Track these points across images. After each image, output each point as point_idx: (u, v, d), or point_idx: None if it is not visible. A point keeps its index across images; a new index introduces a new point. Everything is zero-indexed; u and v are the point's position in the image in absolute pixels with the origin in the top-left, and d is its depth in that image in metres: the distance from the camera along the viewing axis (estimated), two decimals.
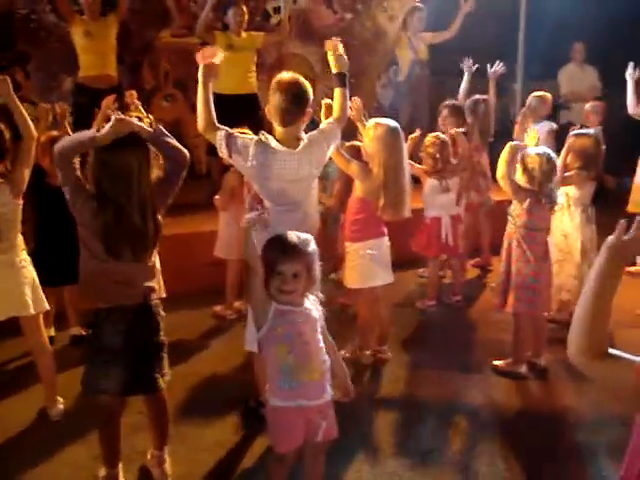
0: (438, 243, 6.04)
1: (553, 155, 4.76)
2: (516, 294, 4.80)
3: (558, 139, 7.25)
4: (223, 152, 3.88)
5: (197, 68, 3.91)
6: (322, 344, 3.14)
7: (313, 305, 3.15)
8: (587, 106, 7.61)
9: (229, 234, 5.59)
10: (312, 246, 3.07)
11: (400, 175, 4.73)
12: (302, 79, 3.92)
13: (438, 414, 4.44)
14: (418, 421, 4.35)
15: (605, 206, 5.82)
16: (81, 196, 3.26)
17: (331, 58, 4.31)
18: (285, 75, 3.91)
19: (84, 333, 5.30)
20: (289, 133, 3.91)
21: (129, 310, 3.34)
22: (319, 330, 3.15)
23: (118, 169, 3.24)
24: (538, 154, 4.71)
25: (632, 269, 6.86)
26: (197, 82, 3.89)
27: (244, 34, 7.55)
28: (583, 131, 5.79)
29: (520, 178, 4.78)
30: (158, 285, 3.58)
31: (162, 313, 3.50)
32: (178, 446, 3.90)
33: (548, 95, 7.09)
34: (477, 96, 6.94)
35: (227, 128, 3.90)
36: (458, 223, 6.11)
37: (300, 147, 3.90)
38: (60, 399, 4.32)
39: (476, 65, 7.06)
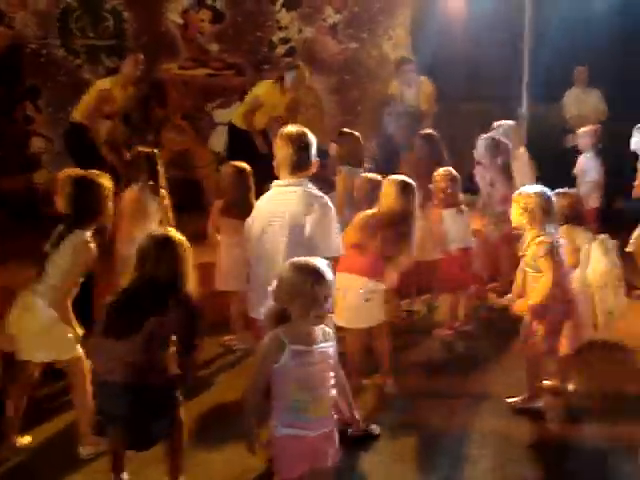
0: (469, 274, 6.03)
1: (549, 193, 4.72)
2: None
3: (565, 163, 7.33)
4: None
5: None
6: (332, 381, 3.16)
7: (328, 339, 3.17)
8: (579, 131, 7.70)
9: (227, 265, 5.62)
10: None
11: (410, 232, 4.89)
12: (307, 131, 4.19)
13: (447, 444, 4.43)
14: (426, 451, 4.34)
15: (616, 227, 5.82)
16: None
17: None
18: (292, 128, 4.19)
19: None
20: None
21: (115, 386, 3.44)
22: (332, 365, 3.17)
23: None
24: (537, 193, 4.65)
25: None
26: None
27: (289, 94, 7.80)
28: (562, 190, 5.74)
29: (518, 219, 4.72)
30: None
31: (168, 388, 3.56)
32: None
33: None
34: (497, 136, 6.91)
35: None
36: (488, 254, 6.16)
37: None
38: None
39: None
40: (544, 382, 4.93)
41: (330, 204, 4.17)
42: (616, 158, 7.59)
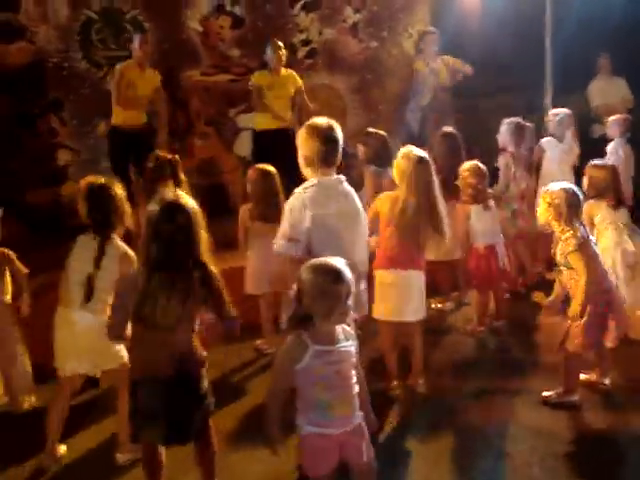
0: (497, 271, 5.92)
1: (577, 189, 4.68)
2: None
3: (593, 153, 7.23)
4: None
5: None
6: (355, 379, 3.19)
7: (349, 339, 3.19)
8: (609, 119, 7.61)
9: (258, 269, 5.60)
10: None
11: (434, 208, 4.74)
12: (334, 123, 4.09)
13: (484, 445, 4.37)
14: (462, 449, 4.31)
15: None
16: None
17: None
18: (320, 121, 4.08)
19: None
20: (328, 175, 4.08)
21: (163, 380, 3.39)
22: (354, 363, 3.20)
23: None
24: (564, 189, 4.61)
25: None
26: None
27: (284, 71, 7.72)
28: (598, 162, 5.69)
29: (544, 214, 4.68)
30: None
31: (203, 375, 3.54)
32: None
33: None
34: (519, 120, 6.87)
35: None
36: (507, 250, 6.03)
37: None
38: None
39: None
40: (580, 376, 4.88)
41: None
42: None
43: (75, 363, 4.19)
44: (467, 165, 5.98)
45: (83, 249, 4.19)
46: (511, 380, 5.18)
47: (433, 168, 4.81)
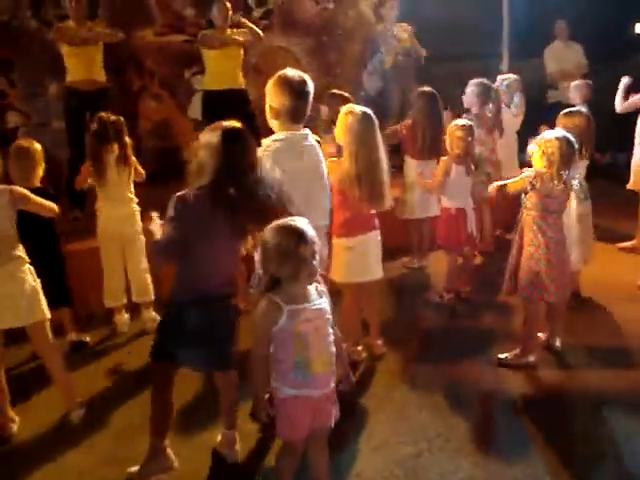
0: (465, 235, 5.87)
1: (572, 139, 4.52)
2: (526, 279, 4.65)
3: (549, 119, 7.27)
4: None
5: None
6: (331, 337, 3.19)
7: (323, 296, 3.18)
8: (572, 84, 7.61)
9: None
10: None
11: (376, 166, 4.55)
12: (306, 75, 3.95)
13: (442, 403, 4.42)
14: (421, 410, 4.34)
15: (597, 182, 5.78)
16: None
17: None
18: (290, 72, 3.91)
19: (83, 339, 5.30)
20: (295, 130, 3.94)
21: (212, 301, 3.48)
22: (329, 321, 3.19)
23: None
24: (557, 138, 4.50)
25: (623, 245, 6.88)
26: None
27: (229, 30, 7.53)
28: (574, 109, 5.70)
29: (538, 162, 4.57)
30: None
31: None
32: (181, 443, 3.92)
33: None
34: (485, 81, 6.79)
35: None
36: (476, 214, 5.97)
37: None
38: (81, 400, 4.32)
39: None
40: (539, 336, 4.97)
41: None
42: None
43: None
44: (453, 121, 5.91)
45: None
46: (470, 344, 5.22)
47: (377, 125, 4.62)
